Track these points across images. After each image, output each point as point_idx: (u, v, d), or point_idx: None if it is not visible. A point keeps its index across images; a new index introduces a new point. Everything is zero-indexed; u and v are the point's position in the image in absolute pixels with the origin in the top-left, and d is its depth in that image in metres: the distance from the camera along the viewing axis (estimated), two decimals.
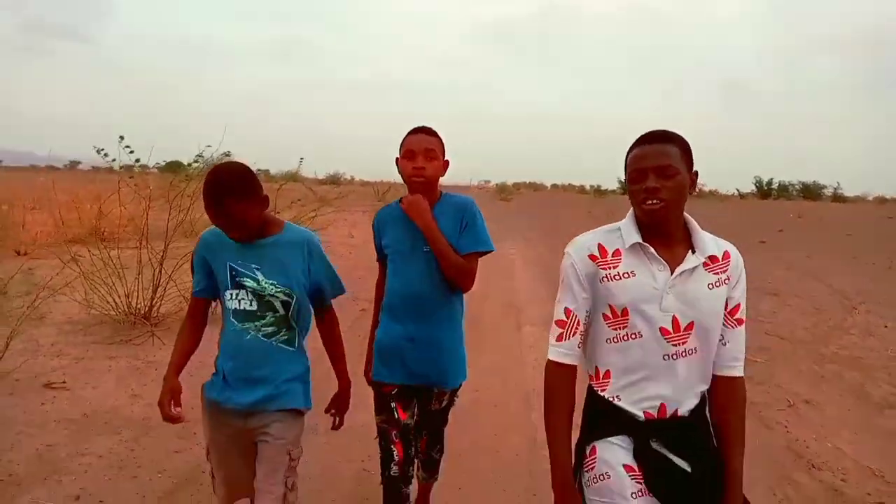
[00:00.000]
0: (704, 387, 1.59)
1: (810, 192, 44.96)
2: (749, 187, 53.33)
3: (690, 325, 1.53)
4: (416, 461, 2.47)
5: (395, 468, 2.35)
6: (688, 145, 1.58)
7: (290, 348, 2.11)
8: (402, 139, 2.35)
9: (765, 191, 47.40)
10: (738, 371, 1.61)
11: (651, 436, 1.54)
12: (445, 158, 2.37)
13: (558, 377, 1.61)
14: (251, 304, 2.06)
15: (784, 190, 49.77)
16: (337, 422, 2.32)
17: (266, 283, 2.06)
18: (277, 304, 2.07)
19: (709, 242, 1.60)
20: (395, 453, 2.36)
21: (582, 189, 66.42)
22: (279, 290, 2.07)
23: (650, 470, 1.52)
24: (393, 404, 2.36)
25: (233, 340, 2.08)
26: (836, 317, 7.15)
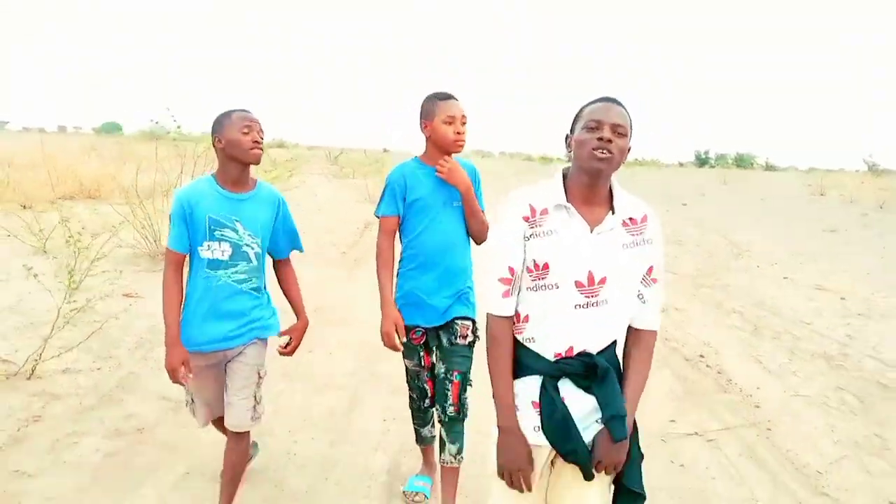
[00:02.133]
0: (613, 336, 1.70)
1: (744, 161, 48.28)
2: (691, 157, 56.56)
3: (603, 280, 1.65)
4: (439, 427, 2.67)
5: (427, 401, 2.73)
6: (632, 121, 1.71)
7: (258, 294, 2.43)
8: (430, 104, 2.54)
9: (702, 160, 50.50)
10: (653, 325, 1.74)
11: (559, 374, 1.67)
12: None
13: (502, 328, 1.71)
14: (223, 255, 2.31)
15: (721, 159, 52.82)
16: (289, 348, 2.58)
17: (244, 233, 2.34)
18: (251, 254, 2.35)
19: (628, 205, 1.72)
20: (427, 391, 2.71)
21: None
22: (255, 241, 2.36)
23: (543, 409, 1.66)
24: (421, 353, 2.66)
25: (203, 285, 2.32)
26: (723, 260, 9.07)
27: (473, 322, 2.62)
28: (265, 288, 2.48)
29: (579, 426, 1.64)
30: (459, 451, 2.59)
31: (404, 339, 2.55)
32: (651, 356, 1.73)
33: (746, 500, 2.93)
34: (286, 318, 2.62)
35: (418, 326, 2.60)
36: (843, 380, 4.50)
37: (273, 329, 2.49)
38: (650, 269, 1.70)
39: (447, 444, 2.59)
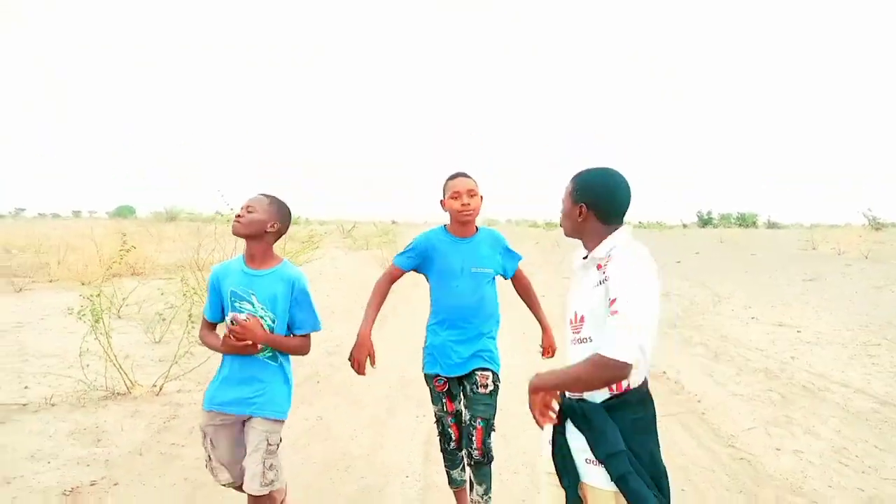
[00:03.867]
0: None
1: (745, 220, 50.01)
2: (693, 218, 58.33)
3: (583, 318, 1.88)
4: (468, 469, 2.95)
5: (453, 444, 3.00)
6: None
7: (273, 363, 2.64)
8: (444, 184, 2.95)
9: (705, 220, 52.25)
10: (609, 353, 1.72)
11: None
12: (481, 195, 2.95)
13: None
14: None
15: (725, 219, 54.49)
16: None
17: (259, 307, 2.59)
18: (265, 326, 2.57)
19: (601, 249, 1.91)
20: (452, 434, 2.99)
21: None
22: (268, 314, 2.59)
23: (553, 447, 1.96)
24: (443, 399, 2.97)
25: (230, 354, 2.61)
26: (703, 308, 10.41)
27: (494, 373, 2.90)
28: (282, 362, 2.69)
29: (578, 459, 1.87)
30: (486, 492, 2.88)
31: (374, 367, 2.97)
32: (588, 366, 1.78)
33: (676, 454, 4.23)
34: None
35: (439, 375, 2.97)
36: (774, 385, 5.80)
37: (284, 412, 2.67)
38: (612, 302, 1.77)
39: (475, 485, 2.89)
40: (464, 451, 2.93)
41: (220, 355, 2.69)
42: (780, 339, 7.81)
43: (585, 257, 1.99)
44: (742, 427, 4.71)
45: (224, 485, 2.71)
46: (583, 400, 1.89)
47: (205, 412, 2.66)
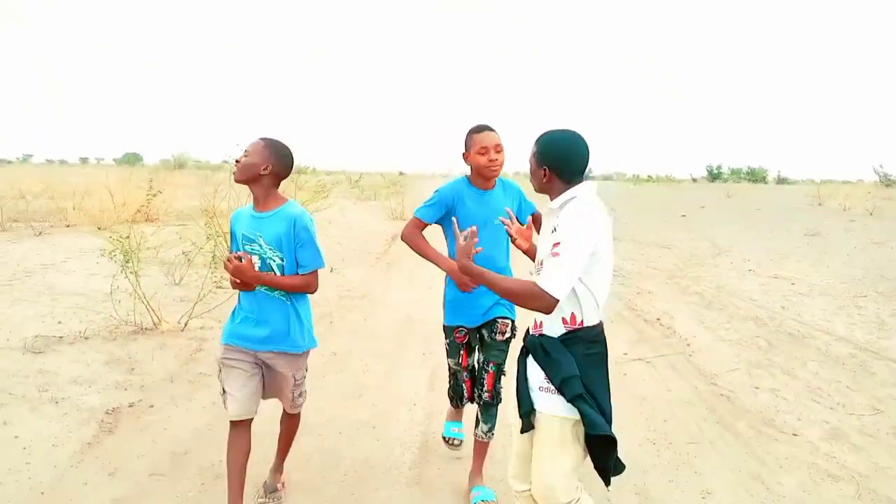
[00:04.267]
0: (566, 309, 2.11)
1: (755, 175, 49.89)
2: (703, 173, 58.14)
3: (542, 263, 2.13)
4: (476, 412, 3.10)
5: (465, 399, 3.15)
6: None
7: (286, 300, 2.71)
8: (468, 137, 2.92)
9: (714, 175, 52.16)
10: (544, 286, 1.98)
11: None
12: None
13: None
14: (255, 265, 2.65)
15: (735, 174, 54.35)
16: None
17: (266, 248, 2.67)
18: (275, 266, 2.66)
19: (557, 202, 2.17)
20: (464, 389, 3.13)
21: None
22: (275, 254, 2.66)
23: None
24: (461, 352, 3.06)
25: (245, 292, 2.72)
26: (702, 259, 10.72)
27: (512, 321, 3.00)
28: (298, 299, 2.77)
29: (533, 389, 2.15)
30: (490, 430, 3.05)
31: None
32: (523, 288, 2.05)
33: (662, 390, 4.60)
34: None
35: (462, 326, 3.05)
36: (762, 332, 6.15)
37: (301, 347, 2.78)
38: (556, 244, 2.03)
39: (481, 422, 3.03)
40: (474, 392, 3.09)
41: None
42: (774, 290, 8.13)
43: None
44: (726, 368, 5.07)
45: (233, 417, 2.69)
46: (543, 335, 2.16)
47: (222, 346, 2.75)
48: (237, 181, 2.70)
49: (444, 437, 3.34)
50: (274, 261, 2.66)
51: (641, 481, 3.28)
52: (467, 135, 2.95)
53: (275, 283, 2.67)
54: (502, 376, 3.00)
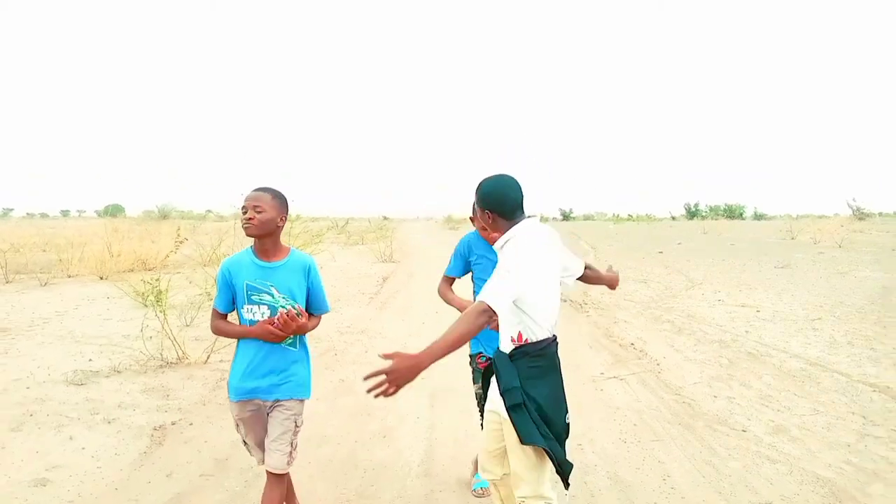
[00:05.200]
0: (514, 328, 2.45)
1: (732, 212, 51.47)
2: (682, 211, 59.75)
3: None
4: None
5: None
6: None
7: (294, 349, 2.79)
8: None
9: (692, 213, 53.69)
10: (481, 297, 2.27)
11: None
12: None
13: None
14: (262, 316, 2.69)
15: (714, 211, 55.90)
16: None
17: (279, 297, 2.71)
18: None
19: (501, 240, 2.49)
20: None
21: None
22: (289, 302, 2.72)
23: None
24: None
25: (249, 344, 2.73)
26: (676, 292, 11.52)
27: None
28: (306, 346, 2.88)
29: (495, 394, 2.54)
30: None
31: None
32: (468, 316, 2.20)
33: (633, 400, 5.31)
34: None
35: (482, 353, 3.39)
36: (725, 352, 6.90)
37: (307, 394, 2.86)
38: (497, 270, 2.36)
39: None
40: None
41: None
42: (740, 317, 8.92)
43: None
44: (689, 382, 5.80)
45: (259, 464, 2.90)
46: (498, 352, 2.52)
47: (234, 403, 2.79)
48: (254, 236, 2.71)
49: (473, 490, 3.61)
50: (286, 309, 2.72)
51: (613, 470, 3.96)
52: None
53: (306, 330, 2.80)
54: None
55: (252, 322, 2.72)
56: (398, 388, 2.13)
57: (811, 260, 16.37)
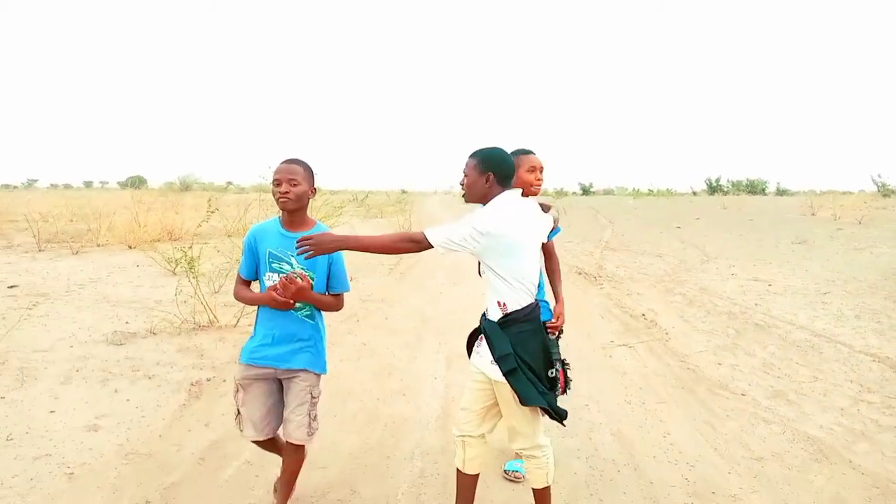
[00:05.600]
0: (497, 295, 2.60)
1: (754, 187, 50.94)
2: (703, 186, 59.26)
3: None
4: None
5: None
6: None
7: (310, 321, 2.83)
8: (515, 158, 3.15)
9: (713, 188, 53.18)
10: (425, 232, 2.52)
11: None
12: None
13: None
14: None
15: (735, 186, 55.39)
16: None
17: (298, 267, 2.77)
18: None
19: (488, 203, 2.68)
20: None
21: None
22: (308, 273, 2.76)
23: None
24: None
25: (266, 311, 2.80)
26: (690, 266, 11.72)
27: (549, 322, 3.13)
28: (322, 322, 2.92)
29: (485, 360, 2.66)
30: None
31: None
32: (401, 236, 2.55)
33: (640, 366, 5.59)
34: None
35: None
36: (733, 323, 7.14)
37: (324, 367, 2.90)
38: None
39: None
40: None
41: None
42: (751, 290, 9.13)
43: None
44: (695, 350, 6.07)
45: (249, 439, 2.92)
46: (488, 320, 2.66)
47: (242, 365, 2.84)
48: (290, 209, 2.76)
49: (505, 471, 3.59)
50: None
51: (616, 427, 4.26)
52: (514, 156, 3.21)
53: (318, 302, 2.81)
54: (568, 370, 3.06)
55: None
56: (317, 253, 2.52)
57: (829, 236, 16.39)
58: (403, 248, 2.53)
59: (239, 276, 2.90)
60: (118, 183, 75.48)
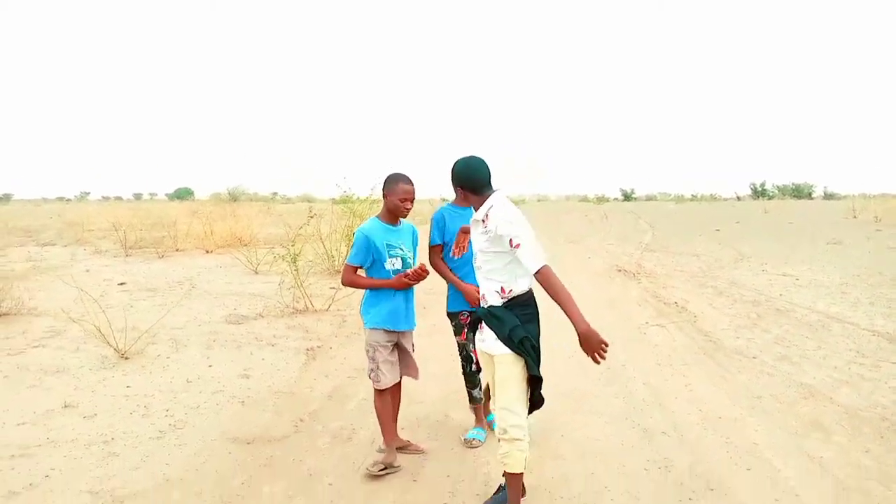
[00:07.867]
0: (498, 284, 2.87)
1: (800, 191, 51.08)
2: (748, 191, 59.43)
3: (476, 253, 3.02)
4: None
5: (474, 366, 4.18)
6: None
7: (412, 292, 3.90)
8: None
9: (758, 192, 53.49)
10: (533, 269, 2.72)
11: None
12: None
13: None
14: (399, 266, 3.74)
15: (782, 190, 55.47)
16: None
17: (407, 251, 3.80)
18: (410, 263, 3.79)
19: (480, 212, 2.90)
20: (473, 357, 4.15)
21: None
22: (410, 254, 3.81)
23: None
24: (465, 329, 3.97)
25: (391, 292, 3.73)
26: (724, 264, 12.73)
27: None
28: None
29: (488, 339, 2.98)
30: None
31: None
32: (554, 286, 2.72)
33: (669, 340, 6.73)
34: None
35: (464, 311, 4.05)
36: (756, 309, 8.21)
37: (415, 324, 3.95)
38: (510, 242, 2.78)
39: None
40: (482, 372, 4.00)
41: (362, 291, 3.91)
42: (778, 283, 10.14)
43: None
44: (719, 328, 7.19)
45: (385, 386, 3.75)
46: (491, 305, 2.96)
47: (378, 331, 3.75)
48: (405, 217, 3.85)
49: (464, 439, 4.18)
50: (409, 260, 3.81)
51: (647, 380, 5.43)
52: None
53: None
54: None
55: (395, 271, 3.72)
56: (593, 351, 2.74)
57: (865, 237, 17.13)
58: (558, 283, 2.75)
59: (349, 267, 3.75)
60: (166, 195, 78.72)
